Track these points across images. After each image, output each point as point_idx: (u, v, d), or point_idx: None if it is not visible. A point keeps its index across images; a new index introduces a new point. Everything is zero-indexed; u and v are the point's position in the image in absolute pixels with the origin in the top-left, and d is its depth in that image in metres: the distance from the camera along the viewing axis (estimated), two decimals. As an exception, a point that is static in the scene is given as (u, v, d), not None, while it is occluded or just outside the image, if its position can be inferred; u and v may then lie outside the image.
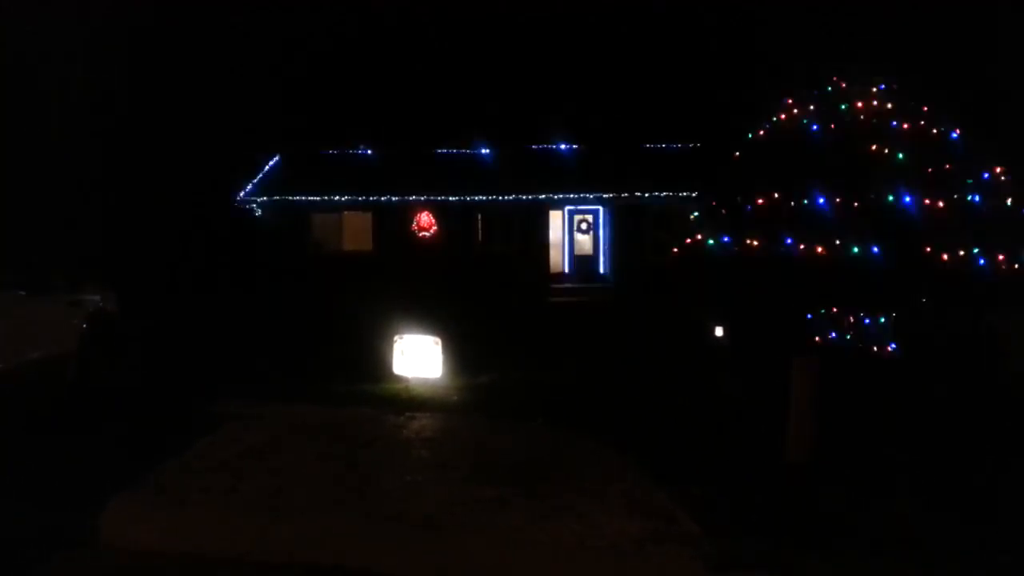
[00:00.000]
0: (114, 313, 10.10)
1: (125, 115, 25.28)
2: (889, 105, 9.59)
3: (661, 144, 28.71)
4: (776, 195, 9.19)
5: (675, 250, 10.84)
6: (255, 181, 26.79)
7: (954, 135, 9.42)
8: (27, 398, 8.26)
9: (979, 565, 4.95)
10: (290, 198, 26.05)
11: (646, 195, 25.61)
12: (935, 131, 9.44)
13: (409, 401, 9.43)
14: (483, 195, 25.80)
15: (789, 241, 8.70)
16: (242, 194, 26.02)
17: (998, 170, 9.19)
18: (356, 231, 26.58)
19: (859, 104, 9.60)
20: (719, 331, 13.11)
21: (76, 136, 22.61)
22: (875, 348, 8.82)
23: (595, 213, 27.07)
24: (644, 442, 7.50)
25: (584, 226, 27.38)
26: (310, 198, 25.98)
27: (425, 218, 26.06)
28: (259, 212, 26.09)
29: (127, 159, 22.23)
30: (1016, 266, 8.41)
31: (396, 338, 10.69)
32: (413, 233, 26.06)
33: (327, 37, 33.57)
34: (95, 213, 21.73)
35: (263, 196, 26.09)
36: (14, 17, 20.88)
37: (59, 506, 5.74)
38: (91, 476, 6.33)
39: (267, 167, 27.80)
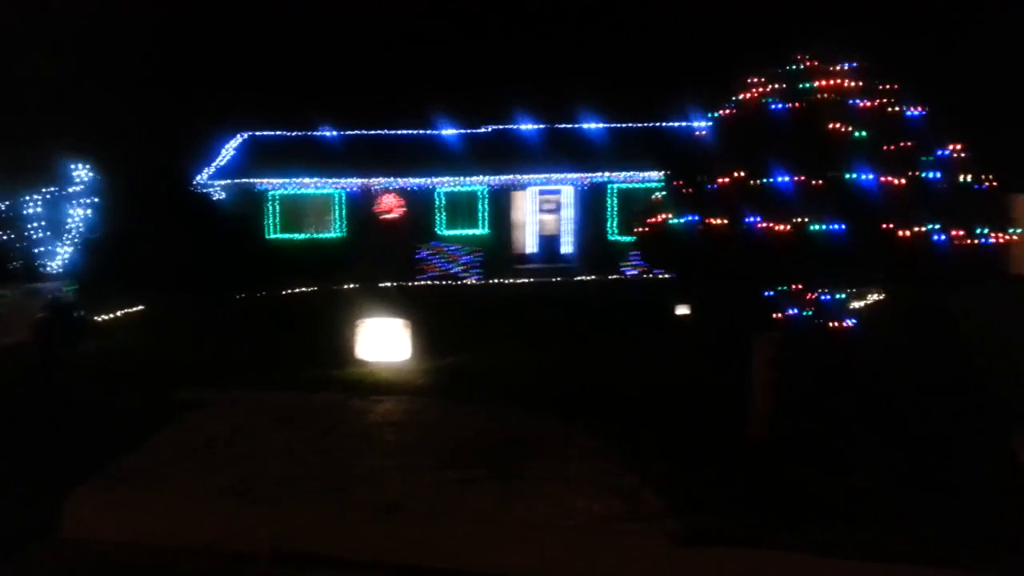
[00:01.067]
0: (74, 301, 9.95)
1: (81, 97, 24.80)
2: (853, 84, 9.66)
3: (626, 123, 28.68)
4: (739, 173, 9.22)
5: (638, 229, 10.83)
6: (216, 164, 26.40)
7: (913, 113, 9.52)
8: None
9: (939, 532, 5.07)
10: (252, 181, 25.73)
11: (611, 175, 25.64)
12: (895, 109, 9.53)
13: (375, 385, 9.40)
14: (448, 175, 25.67)
15: (751, 219, 8.74)
16: (203, 177, 25.66)
17: (957, 147, 9.30)
18: (319, 214, 26.34)
19: (822, 83, 9.66)
20: (682, 310, 13.22)
21: (30, 120, 22.17)
22: (834, 324, 8.93)
23: (561, 193, 27.06)
24: (610, 422, 7.54)
25: (549, 206, 27.36)
26: (272, 181, 25.68)
27: (389, 200, 25.89)
28: (221, 195, 25.75)
29: (85, 144, 21.82)
30: (972, 242, 8.53)
31: (360, 322, 10.64)
32: (376, 215, 25.88)
33: (286, 15, 33.10)
34: (55, 201, 21.35)
35: (225, 179, 25.74)
36: None
37: (19, 498, 5.66)
38: (52, 467, 6.25)
39: (228, 150, 27.39)
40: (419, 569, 4.67)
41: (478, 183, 25.76)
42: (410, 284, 23.30)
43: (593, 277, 24.46)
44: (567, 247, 26.79)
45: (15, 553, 5.00)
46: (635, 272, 23.07)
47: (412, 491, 5.69)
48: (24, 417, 7.93)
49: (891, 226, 8.36)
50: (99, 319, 15.12)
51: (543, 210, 27.30)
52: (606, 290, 21.63)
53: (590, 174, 25.75)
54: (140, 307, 17.65)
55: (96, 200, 16.32)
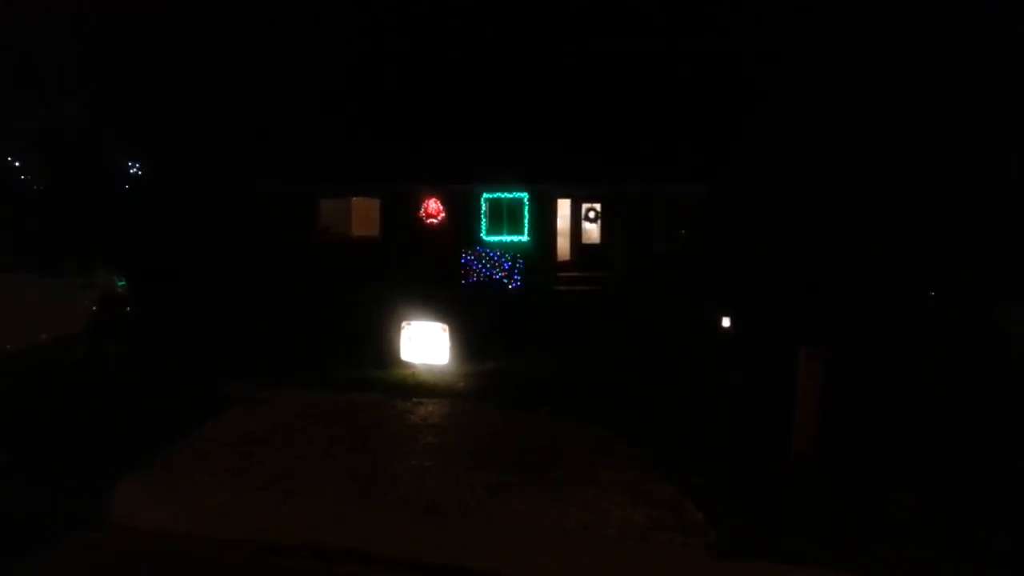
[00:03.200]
0: (124, 296, 10.12)
1: (135, 98, 25.29)
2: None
3: (670, 133, 28.53)
4: (784, 185, 9.14)
5: (683, 231, 10.78)
6: (263, 166, 26.78)
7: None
8: (37, 379, 8.29)
9: (987, 553, 4.97)
10: (298, 183, 26.07)
11: (654, 184, 25.52)
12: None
13: (416, 387, 9.45)
14: (491, 182, 25.78)
15: (796, 232, 8.65)
16: (250, 179, 26.02)
17: None
18: (364, 217, 26.59)
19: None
20: (726, 322, 13.11)
21: (85, 117, 22.66)
22: (881, 339, 8.81)
23: (603, 202, 26.99)
24: (650, 431, 7.50)
25: (592, 215, 27.33)
26: (318, 183, 26.00)
27: (432, 205, 26.06)
28: (267, 197, 26.10)
29: (137, 142, 22.30)
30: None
31: (403, 324, 10.70)
32: (420, 219, 26.06)
33: (333, 27, 33.43)
34: (107, 197, 21.81)
35: (271, 181, 26.10)
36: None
37: (67, 487, 5.77)
38: (99, 457, 6.36)
39: (275, 152, 27.76)
40: (458, 570, 4.67)
41: (521, 190, 25.82)
42: (452, 288, 23.39)
43: (635, 286, 24.37)
44: (610, 255, 26.74)
45: (61, 542, 5.09)
46: (678, 282, 22.96)
47: (450, 492, 5.71)
48: (74, 410, 8.07)
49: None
50: (147, 314, 15.38)
51: (586, 219, 27.31)
52: (648, 299, 21.52)
53: (633, 183, 25.66)
54: (188, 303, 17.94)
55: (149, 198, 16.62)
